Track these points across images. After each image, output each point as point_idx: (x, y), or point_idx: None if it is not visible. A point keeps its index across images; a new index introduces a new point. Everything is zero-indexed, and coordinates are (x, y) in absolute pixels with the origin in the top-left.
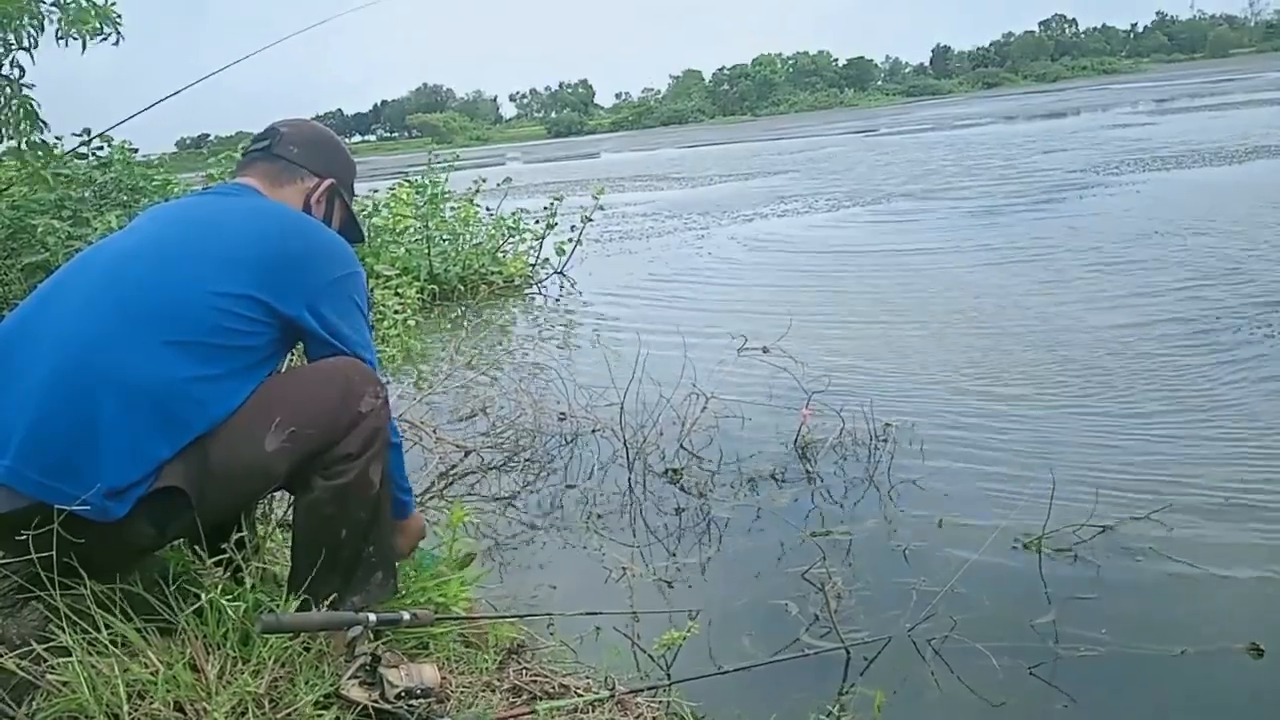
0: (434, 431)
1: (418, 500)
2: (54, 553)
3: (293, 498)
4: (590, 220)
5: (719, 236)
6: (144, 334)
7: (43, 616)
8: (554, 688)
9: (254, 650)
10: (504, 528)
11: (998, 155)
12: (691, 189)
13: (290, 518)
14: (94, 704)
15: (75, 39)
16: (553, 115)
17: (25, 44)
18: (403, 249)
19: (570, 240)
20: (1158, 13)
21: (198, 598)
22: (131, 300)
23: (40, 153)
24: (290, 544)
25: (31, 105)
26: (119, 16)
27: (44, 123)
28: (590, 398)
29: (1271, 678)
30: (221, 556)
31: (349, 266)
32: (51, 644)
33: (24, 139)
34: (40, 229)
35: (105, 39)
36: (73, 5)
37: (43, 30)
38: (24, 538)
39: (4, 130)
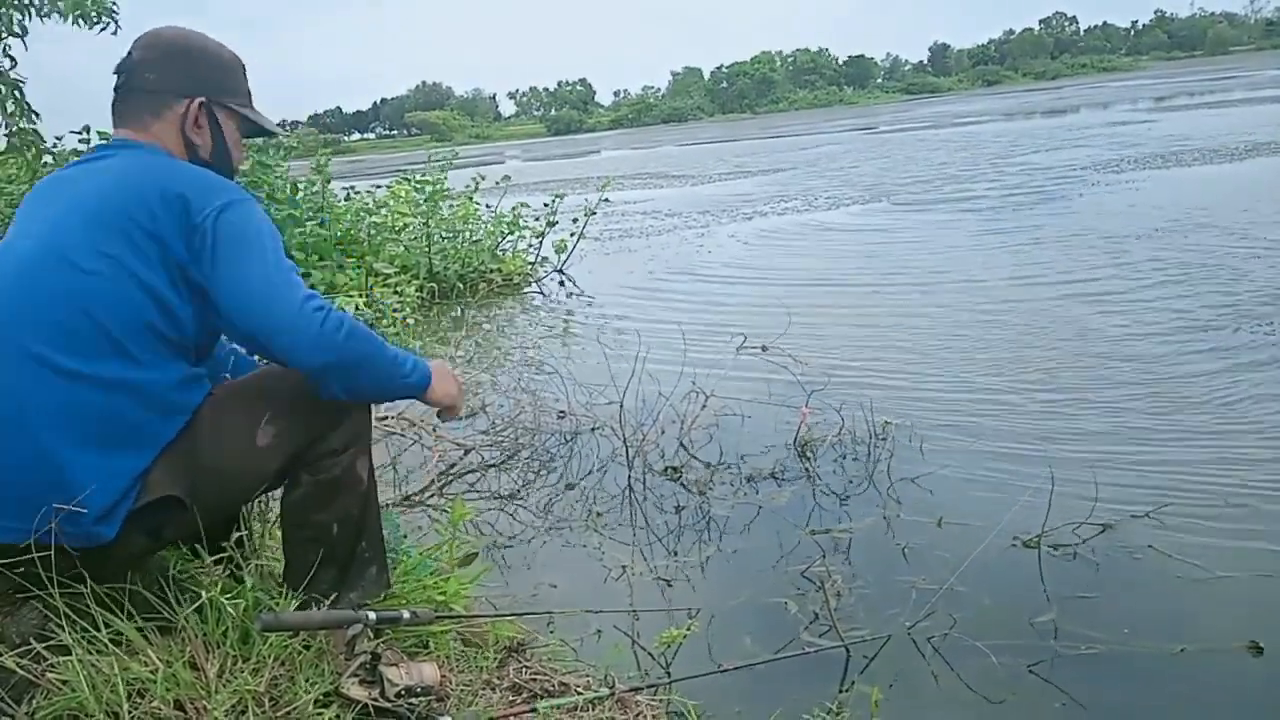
0: (433, 430)
1: (417, 500)
2: (53, 571)
3: (281, 495)
4: (594, 213)
5: (719, 234)
6: (44, 347)
7: (42, 615)
8: (554, 686)
9: (254, 648)
10: (504, 526)
11: (996, 152)
12: (691, 187)
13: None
14: (94, 702)
15: (75, 24)
16: (552, 113)
17: (15, 30)
18: (401, 247)
19: (572, 234)
20: (1157, 10)
21: (197, 596)
22: (32, 314)
23: (30, 141)
24: (283, 542)
25: (20, 94)
26: (115, 6)
27: (35, 113)
28: (590, 396)
29: (1271, 676)
30: (221, 555)
31: (221, 197)
32: (51, 642)
33: (15, 124)
34: None
35: (104, 29)
36: None
37: (30, 17)
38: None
39: None
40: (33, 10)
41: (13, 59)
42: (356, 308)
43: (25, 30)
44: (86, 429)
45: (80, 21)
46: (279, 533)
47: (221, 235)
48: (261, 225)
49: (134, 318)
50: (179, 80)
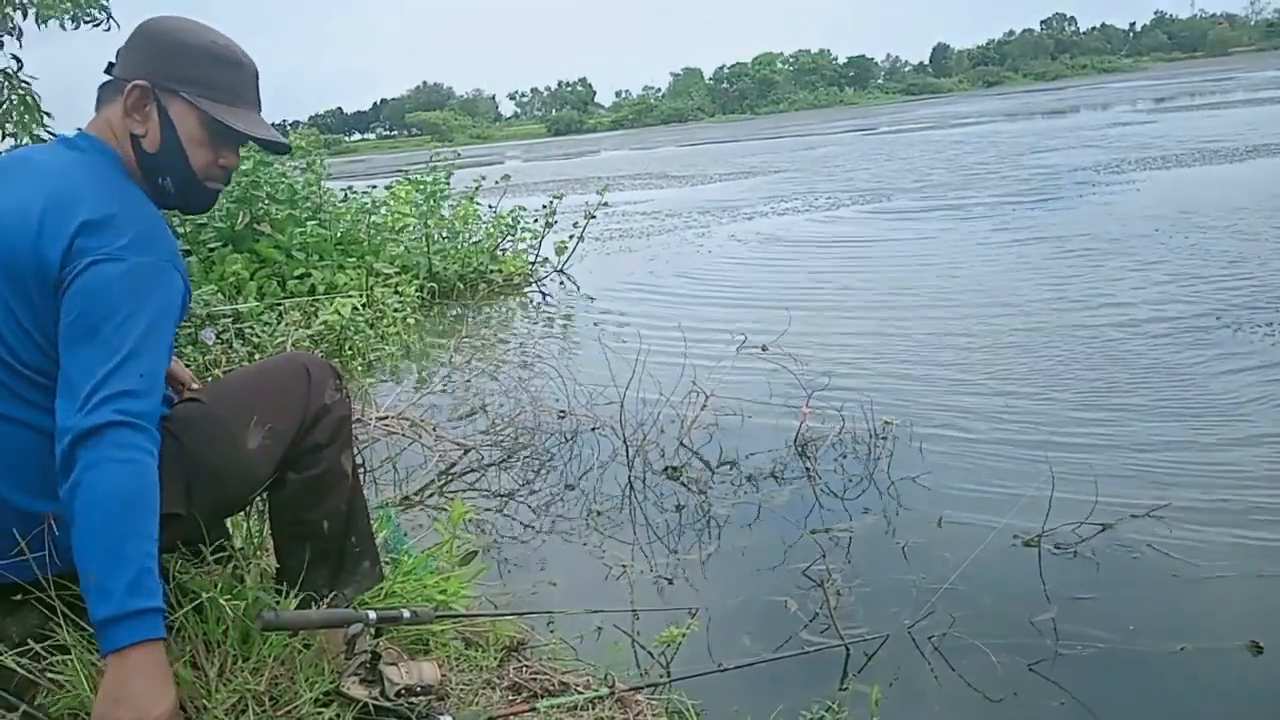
0: (433, 430)
1: (417, 499)
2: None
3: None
4: (594, 216)
5: (719, 235)
6: None
7: (41, 614)
8: (554, 685)
9: (254, 648)
10: (504, 525)
11: (996, 153)
12: (692, 187)
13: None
14: (94, 701)
15: (66, 26)
16: (552, 114)
17: (9, 29)
18: (402, 247)
19: (572, 237)
20: (1157, 11)
21: (197, 596)
22: None
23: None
24: (274, 542)
25: (32, 98)
26: (106, 2)
27: (46, 113)
28: (590, 396)
29: (1271, 674)
30: (221, 555)
31: (105, 245)
32: (50, 642)
33: (26, 133)
34: None
35: (96, 25)
36: None
37: (25, 15)
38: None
39: (5, 124)
40: (31, 9)
41: (19, 60)
42: (356, 308)
43: (20, 30)
44: (37, 473)
45: (70, 23)
46: None
47: (77, 288)
48: (122, 290)
49: (39, 361)
50: (134, 63)
